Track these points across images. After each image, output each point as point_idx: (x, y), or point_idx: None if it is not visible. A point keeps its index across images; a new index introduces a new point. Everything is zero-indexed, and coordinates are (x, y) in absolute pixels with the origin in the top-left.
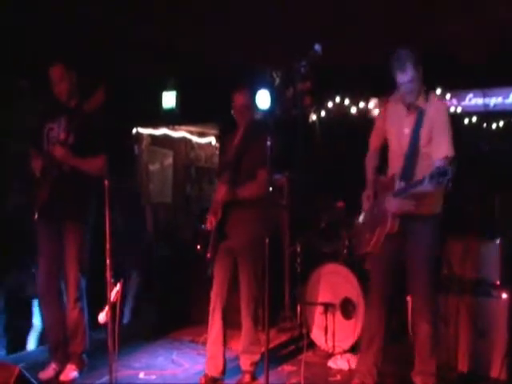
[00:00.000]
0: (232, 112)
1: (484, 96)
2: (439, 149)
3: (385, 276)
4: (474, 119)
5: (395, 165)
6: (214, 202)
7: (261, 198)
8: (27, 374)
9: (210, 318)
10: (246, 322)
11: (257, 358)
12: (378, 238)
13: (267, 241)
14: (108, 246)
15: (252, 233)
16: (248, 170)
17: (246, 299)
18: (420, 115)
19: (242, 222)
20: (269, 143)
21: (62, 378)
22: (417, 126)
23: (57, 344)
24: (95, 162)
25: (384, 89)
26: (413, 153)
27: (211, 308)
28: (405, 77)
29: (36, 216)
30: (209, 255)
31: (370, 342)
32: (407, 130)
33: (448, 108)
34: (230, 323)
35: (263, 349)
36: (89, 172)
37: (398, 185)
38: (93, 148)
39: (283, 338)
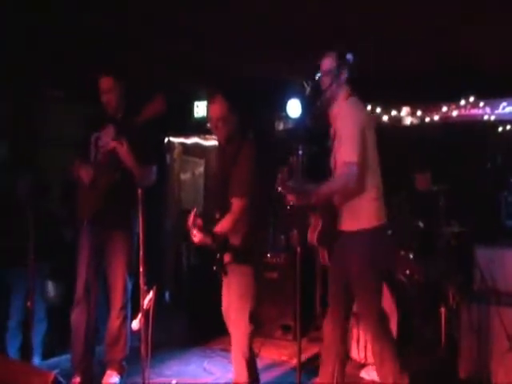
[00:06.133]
0: (208, 125)
1: None
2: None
3: None
4: (508, 127)
5: None
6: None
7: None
8: (62, 381)
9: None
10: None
11: None
12: None
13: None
14: (141, 253)
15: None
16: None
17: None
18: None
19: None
20: (300, 152)
21: (104, 382)
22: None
23: (80, 358)
24: (147, 171)
25: (416, 96)
26: None
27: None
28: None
29: (85, 224)
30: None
31: None
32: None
33: (345, 109)
34: (261, 332)
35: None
36: (139, 179)
37: None
38: (143, 158)
39: (315, 348)
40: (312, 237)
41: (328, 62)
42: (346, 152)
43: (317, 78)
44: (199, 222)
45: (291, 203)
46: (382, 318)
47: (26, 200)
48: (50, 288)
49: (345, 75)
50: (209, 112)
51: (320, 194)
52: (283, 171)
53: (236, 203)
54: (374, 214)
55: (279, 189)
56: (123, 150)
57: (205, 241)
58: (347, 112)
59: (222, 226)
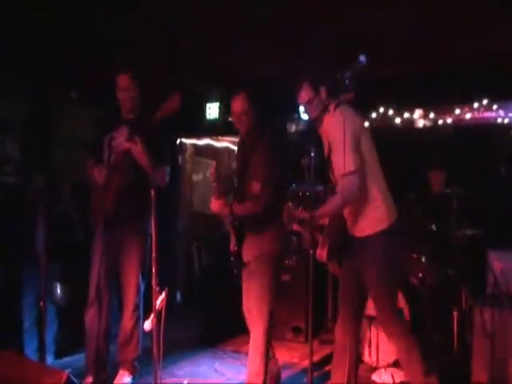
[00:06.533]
0: (231, 118)
1: None
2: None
3: None
4: None
5: None
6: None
7: (266, 215)
8: (75, 380)
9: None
10: (253, 334)
11: None
12: None
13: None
14: (154, 254)
15: (259, 251)
16: (248, 182)
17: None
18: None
19: (252, 242)
20: (312, 154)
21: (116, 382)
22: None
23: (93, 359)
24: (160, 171)
25: (429, 99)
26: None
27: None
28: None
29: (99, 225)
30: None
31: None
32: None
33: (334, 120)
34: (272, 334)
35: (306, 361)
36: (153, 179)
37: None
38: (157, 158)
39: (326, 350)
40: (321, 254)
41: (304, 94)
42: (342, 163)
43: (302, 112)
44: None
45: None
46: (400, 318)
47: (37, 200)
48: (58, 290)
49: (324, 92)
50: (232, 107)
51: (326, 214)
52: (288, 206)
53: (256, 186)
54: (381, 218)
55: (285, 221)
56: (137, 150)
57: (222, 210)
58: (337, 122)
59: (240, 207)
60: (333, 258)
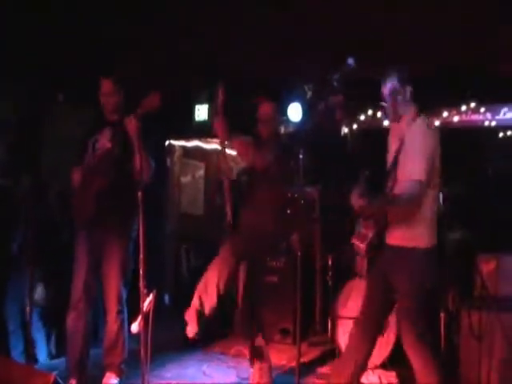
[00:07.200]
0: (257, 123)
1: None
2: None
3: None
4: (509, 133)
5: None
6: None
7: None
8: (62, 382)
9: None
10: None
11: None
12: None
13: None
14: (142, 255)
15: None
16: None
17: None
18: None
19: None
20: (301, 156)
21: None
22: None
23: (76, 362)
24: (149, 162)
25: (416, 101)
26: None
27: None
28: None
29: (80, 227)
30: None
31: None
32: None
33: (419, 128)
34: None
35: (294, 363)
36: (143, 168)
37: None
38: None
39: (314, 352)
40: (361, 245)
41: (389, 87)
42: (414, 169)
43: (382, 104)
44: None
45: (360, 212)
46: (422, 335)
47: (23, 203)
48: (39, 291)
49: (410, 91)
50: (262, 110)
51: (391, 206)
52: (361, 183)
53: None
54: (429, 234)
55: (353, 200)
56: (132, 126)
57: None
58: (422, 131)
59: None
60: (369, 254)
